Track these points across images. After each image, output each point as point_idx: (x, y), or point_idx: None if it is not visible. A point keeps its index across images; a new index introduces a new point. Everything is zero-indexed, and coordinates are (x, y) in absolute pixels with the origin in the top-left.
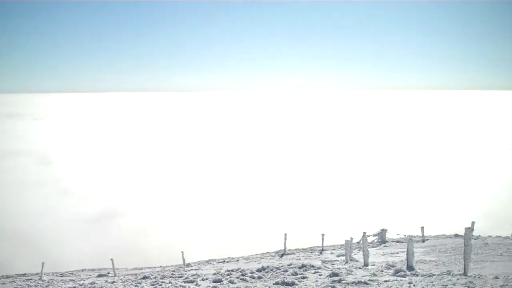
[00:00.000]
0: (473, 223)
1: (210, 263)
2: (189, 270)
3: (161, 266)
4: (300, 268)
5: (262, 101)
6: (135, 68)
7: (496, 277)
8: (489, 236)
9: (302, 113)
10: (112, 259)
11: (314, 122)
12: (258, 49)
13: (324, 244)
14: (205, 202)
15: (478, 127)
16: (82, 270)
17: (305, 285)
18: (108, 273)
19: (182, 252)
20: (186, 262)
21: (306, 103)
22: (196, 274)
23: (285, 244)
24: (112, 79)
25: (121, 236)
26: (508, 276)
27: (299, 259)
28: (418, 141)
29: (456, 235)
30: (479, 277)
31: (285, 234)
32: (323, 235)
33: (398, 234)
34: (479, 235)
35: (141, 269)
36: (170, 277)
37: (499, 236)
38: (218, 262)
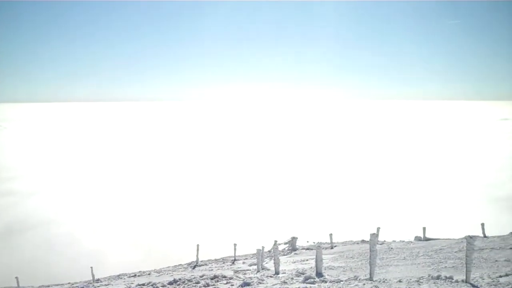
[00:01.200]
0: (378, 229)
1: (121, 278)
2: (98, 286)
3: (69, 283)
4: (212, 279)
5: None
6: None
7: (400, 281)
8: (393, 241)
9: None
10: (17, 277)
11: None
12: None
13: (237, 254)
14: (121, 214)
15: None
16: None
17: None
18: None
19: (92, 267)
20: (96, 277)
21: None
22: None
23: (197, 255)
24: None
25: (29, 251)
26: (411, 279)
27: (212, 270)
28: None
29: (363, 241)
30: (384, 281)
31: (198, 245)
32: (235, 244)
33: (308, 242)
34: (384, 240)
35: (48, 286)
36: None
37: (403, 241)
38: (129, 277)
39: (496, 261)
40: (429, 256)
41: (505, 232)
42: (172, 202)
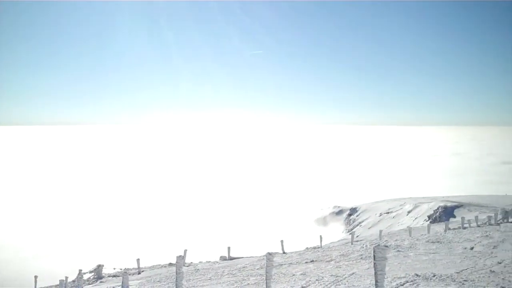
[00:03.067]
0: (185, 251)
1: None
2: None
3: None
4: None
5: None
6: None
7: None
8: (200, 262)
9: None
10: (36, 276)
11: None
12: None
13: (40, 286)
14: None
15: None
16: None
17: None
18: None
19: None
20: None
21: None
22: None
23: None
24: None
25: None
26: None
27: None
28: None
29: (170, 264)
30: None
31: None
32: (36, 277)
33: (114, 269)
34: (191, 262)
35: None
36: None
37: (209, 261)
38: None
39: (294, 275)
40: (233, 274)
41: (302, 247)
42: None
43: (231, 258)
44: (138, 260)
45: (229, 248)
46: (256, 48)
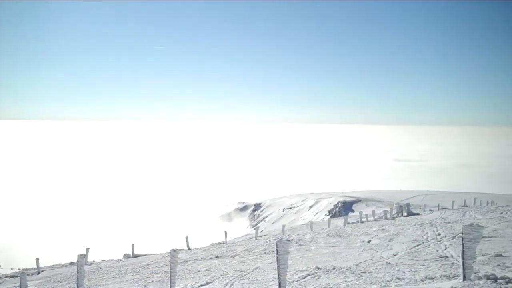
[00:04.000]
0: (87, 249)
1: None
2: None
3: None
4: None
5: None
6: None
7: None
8: (103, 260)
9: None
10: (37, 259)
11: None
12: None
13: None
14: None
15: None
16: None
17: None
18: None
19: None
20: None
21: None
22: None
23: None
24: None
25: None
26: None
27: None
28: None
29: (72, 263)
30: None
31: None
32: None
33: (12, 269)
34: (94, 261)
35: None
36: None
37: (112, 260)
38: None
39: (198, 271)
40: (137, 272)
41: (207, 244)
42: None
43: (135, 256)
44: (37, 259)
45: (133, 245)
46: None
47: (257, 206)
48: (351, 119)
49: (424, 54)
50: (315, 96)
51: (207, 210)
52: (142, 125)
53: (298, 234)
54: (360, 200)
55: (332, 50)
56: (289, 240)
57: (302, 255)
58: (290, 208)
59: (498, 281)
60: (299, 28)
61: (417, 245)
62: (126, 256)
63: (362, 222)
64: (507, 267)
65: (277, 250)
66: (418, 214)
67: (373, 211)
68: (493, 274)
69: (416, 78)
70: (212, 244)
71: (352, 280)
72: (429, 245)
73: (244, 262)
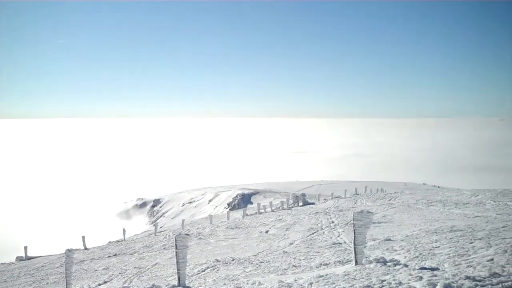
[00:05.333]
0: None
1: None
2: None
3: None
4: None
5: None
6: None
7: None
8: None
9: None
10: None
11: None
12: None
13: None
14: None
15: None
16: None
17: None
18: None
19: None
20: None
21: None
22: None
23: None
24: None
25: None
26: None
27: None
28: None
29: None
30: None
31: None
32: None
33: None
34: None
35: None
36: None
37: (4, 263)
38: None
39: (96, 270)
40: (31, 275)
41: (105, 242)
42: None
43: (29, 258)
44: None
45: (26, 247)
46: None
47: (156, 202)
48: (255, 113)
49: (321, 53)
50: (224, 91)
51: (105, 208)
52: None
53: (197, 228)
54: (258, 192)
55: (237, 47)
56: (188, 234)
57: (201, 248)
58: (190, 202)
59: (387, 264)
60: (192, 25)
61: (312, 233)
62: (19, 259)
63: (260, 213)
64: (395, 250)
65: (176, 244)
66: (313, 203)
67: (271, 202)
68: (383, 258)
69: (314, 72)
70: (110, 242)
71: (250, 270)
72: (324, 232)
73: (143, 259)
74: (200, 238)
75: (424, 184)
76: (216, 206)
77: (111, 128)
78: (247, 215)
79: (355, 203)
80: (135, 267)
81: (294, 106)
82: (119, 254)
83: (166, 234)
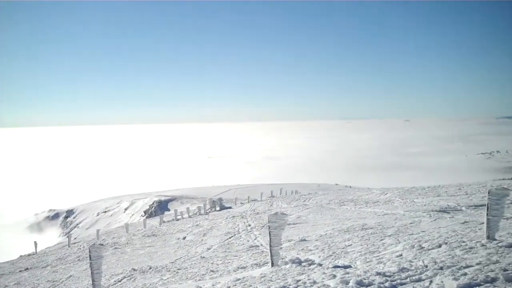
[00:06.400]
0: None
1: None
2: None
3: None
4: None
5: None
6: None
7: None
8: None
9: None
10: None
11: None
12: None
13: None
14: None
15: None
16: None
17: None
18: None
19: None
20: None
21: None
22: None
23: None
24: None
25: None
26: None
27: None
28: None
29: None
30: None
31: None
32: None
33: None
34: None
35: None
36: None
37: None
38: None
39: (6, 286)
40: None
41: (15, 256)
42: None
43: None
44: None
45: None
46: None
47: (70, 213)
48: (167, 119)
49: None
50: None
51: (14, 221)
52: None
53: (113, 238)
54: (175, 199)
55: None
56: (102, 245)
57: (117, 258)
58: (105, 211)
59: (302, 264)
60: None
61: (230, 237)
62: None
63: (178, 219)
64: (310, 250)
65: (90, 255)
66: (230, 207)
67: (188, 208)
68: (298, 258)
69: (226, 77)
70: (21, 256)
71: (168, 278)
72: (241, 236)
73: (57, 272)
74: (116, 248)
75: (336, 184)
76: (133, 214)
77: (31, 137)
78: (164, 222)
79: (271, 205)
80: (48, 280)
81: (207, 112)
82: (31, 268)
83: (81, 245)
